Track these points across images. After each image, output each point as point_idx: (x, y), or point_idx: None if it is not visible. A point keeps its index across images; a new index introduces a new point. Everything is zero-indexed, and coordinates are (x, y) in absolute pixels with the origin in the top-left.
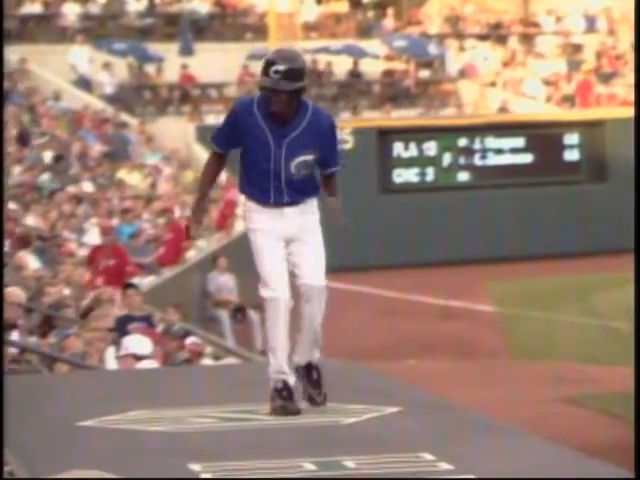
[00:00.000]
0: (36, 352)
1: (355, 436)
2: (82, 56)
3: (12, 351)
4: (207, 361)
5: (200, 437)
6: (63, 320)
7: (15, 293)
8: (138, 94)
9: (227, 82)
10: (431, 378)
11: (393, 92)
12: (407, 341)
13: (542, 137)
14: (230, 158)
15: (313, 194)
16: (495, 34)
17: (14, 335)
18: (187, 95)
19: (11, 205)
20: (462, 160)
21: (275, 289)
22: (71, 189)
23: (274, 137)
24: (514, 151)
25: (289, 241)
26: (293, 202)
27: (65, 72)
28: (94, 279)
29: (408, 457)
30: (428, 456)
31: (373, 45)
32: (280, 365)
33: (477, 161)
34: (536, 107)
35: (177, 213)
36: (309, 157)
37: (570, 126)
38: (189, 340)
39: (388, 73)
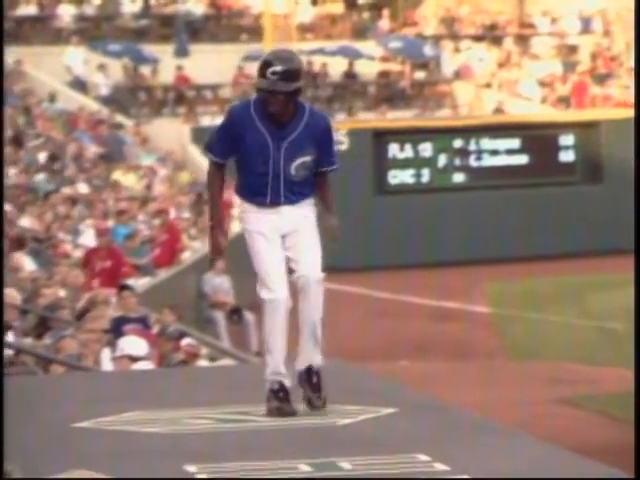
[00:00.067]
0: (31, 353)
1: (350, 437)
2: (77, 57)
3: (8, 353)
4: (203, 362)
5: (196, 438)
6: (58, 321)
7: (11, 295)
8: (133, 95)
9: (222, 83)
10: (427, 379)
11: (388, 93)
12: (401, 342)
13: (537, 138)
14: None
15: (310, 194)
16: (490, 35)
17: (10, 336)
18: (182, 96)
19: (6, 207)
20: (457, 161)
21: (274, 290)
22: (66, 190)
23: (273, 139)
24: (509, 152)
25: (285, 236)
26: (290, 202)
27: (60, 73)
28: (90, 281)
29: (403, 458)
30: (423, 457)
31: (368, 46)
32: (277, 366)
33: (472, 162)
34: (531, 108)
35: (172, 214)
36: (308, 158)
37: (565, 127)
38: (185, 341)
39: (383, 74)
